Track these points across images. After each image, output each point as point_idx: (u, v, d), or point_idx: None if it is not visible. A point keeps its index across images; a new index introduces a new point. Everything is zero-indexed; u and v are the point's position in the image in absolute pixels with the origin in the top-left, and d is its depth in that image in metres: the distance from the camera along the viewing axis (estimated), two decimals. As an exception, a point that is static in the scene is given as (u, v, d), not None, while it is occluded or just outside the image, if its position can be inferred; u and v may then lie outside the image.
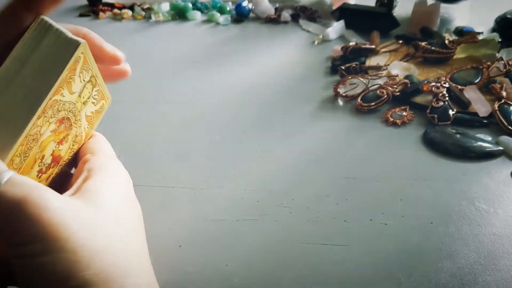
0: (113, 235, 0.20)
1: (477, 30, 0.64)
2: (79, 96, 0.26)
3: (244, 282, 0.27)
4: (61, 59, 0.23)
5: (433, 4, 0.67)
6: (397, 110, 0.45)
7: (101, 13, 0.80)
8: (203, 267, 0.28)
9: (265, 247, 0.30)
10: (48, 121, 0.23)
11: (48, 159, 0.25)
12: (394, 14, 0.71)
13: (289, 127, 0.44)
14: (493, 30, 0.67)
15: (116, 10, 0.81)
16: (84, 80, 0.26)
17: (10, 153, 0.20)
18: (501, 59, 0.51)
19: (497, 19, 0.67)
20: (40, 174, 0.25)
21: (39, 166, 0.24)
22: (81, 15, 0.82)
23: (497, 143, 0.40)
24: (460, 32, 0.65)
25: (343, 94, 0.49)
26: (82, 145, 0.28)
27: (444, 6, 0.72)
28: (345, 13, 0.70)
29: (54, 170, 0.26)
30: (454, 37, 0.59)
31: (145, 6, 0.83)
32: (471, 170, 0.37)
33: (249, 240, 0.30)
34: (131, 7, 0.83)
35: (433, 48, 0.54)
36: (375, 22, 0.67)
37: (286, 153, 0.40)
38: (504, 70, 0.50)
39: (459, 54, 0.56)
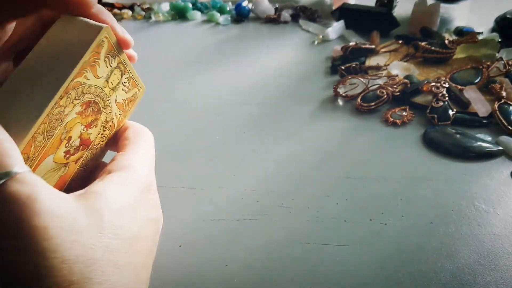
0: (94, 244, 0.19)
1: (477, 30, 0.64)
2: (107, 81, 0.27)
3: (244, 282, 0.27)
4: (83, 43, 0.23)
5: (433, 4, 0.67)
6: (397, 110, 0.45)
7: (101, 13, 0.80)
8: (202, 267, 0.28)
9: (265, 247, 0.30)
10: (72, 102, 0.24)
11: (76, 141, 0.26)
12: (394, 14, 0.71)
13: (289, 127, 0.44)
14: (493, 30, 0.67)
15: (116, 10, 0.81)
16: (110, 66, 0.27)
17: (31, 130, 0.21)
18: (501, 59, 0.51)
19: (497, 19, 0.67)
20: (67, 155, 0.25)
21: (66, 147, 0.25)
22: (81, 15, 0.82)
23: (497, 143, 0.40)
24: (460, 32, 0.65)
25: (343, 94, 0.49)
26: (115, 132, 0.29)
27: (444, 6, 0.72)
28: (345, 13, 0.70)
29: (84, 153, 0.27)
30: (454, 37, 0.59)
31: (145, 6, 0.83)
32: (471, 170, 0.37)
33: (249, 240, 0.30)
34: (131, 7, 0.83)
35: (433, 48, 0.54)
36: (375, 22, 0.67)
37: (286, 153, 0.40)
38: (504, 70, 0.50)
39: (459, 54, 0.56)
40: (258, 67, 0.58)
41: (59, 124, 0.24)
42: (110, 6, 0.84)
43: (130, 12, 0.80)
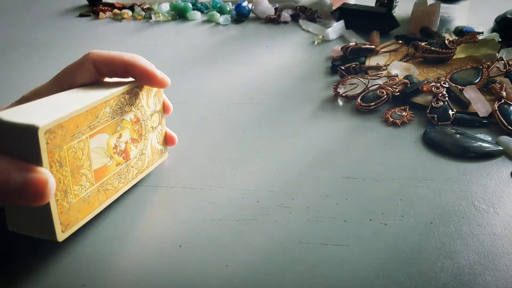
0: None
1: (477, 30, 0.64)
2: (151, 116, 0.35)
3: (244, 282, 0.27)
4: None
5: (433, 4, 0.67)
6: (397, 110, 0.45)
7: (101, 13, 0.80)
8: (203, 267, 0.28)
9: (265, 247, 0.30)
10: (130, 105, 0.32)
11: (122, 144, 0.31)
12: (394, 14, 0.71)
13: (289, 127, 0.44)
14: (493, 30, 0.67)
15: (116, 10, 0.81)
16: (155, 105, 0.35)
17: (109, 94, 0.29)
18: (501, 59, 0.51)
19: (497, 19, 0.67)
20: (115, 149, 0.31)
21: (116, 140, 0.31)
22: (81, 15, 0.82)
23: (497, 143, 0.40)
24: (460, 32, 0.65)
25: (343, 94, 0.49)
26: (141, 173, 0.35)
27: (444, 6, 0.72)
28: (345, 13, 0.70)
29: (123, 165, 0.32)
30: (454, 37, 0.59)
31: (145, 6, 0.83)
32: (471, 170, 0.37)
33: (249, 240, 0.30)
34: (131, 7, 0.83)
35: (433, 48, 0.54)
36: (375, 22, 0.67)
37: (286, 153, 0.40)
38: (504, 70, 0.50)
39: (459, 54, 0.56)
40: (258, 67, 0.59)
41: (120, 113, 0.31)
42: (110, 6, 0.84)
43: (130, 12, 0.80)
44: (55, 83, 0.31)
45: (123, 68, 0.31)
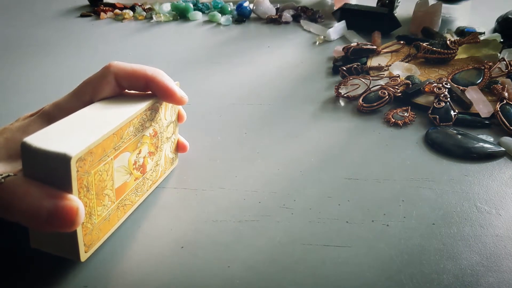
0: None
1: (478, 30, 0.64)
2: (166, 127, 0.34)
3: (245, 283, 0.27)
4: None
5: (435, 4, 0.67)
6: (398, 110, 0.45)
7: (102, 14, 0.81)
8: (204, 268, 0.28)
9: (266, 248, 0.30)
10: (150, 120, 0.31)
11: (141, 159, 0.31)
12: (396, 14, 0.71)
13: (290, 127, 0.44)
14: (495, 30, 0.67)
15: (117, 11, 0.81)
16: (171, 116, 0.35)
17: (131, 115, 0.29)
18: (503, 59, 0.51)
19: (499, 19, 0.67)
20: (134, 165, 0.30)
21: (136, 156, 0.30)
22: (82, 16, 0.82)
23: (499, 144, 0.40)
24: (462, 32, 0.65)
25: (345, 95, 0.49)
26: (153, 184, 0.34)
27: (445, 7, 0.72)
28: (346, 14, 0.70)
29: (140, 178, 0.32)
30: (455, 38, 0.59)
31: (146, 7, 0.83)
32: (473, 171, 0.37)
33: (250, 241, 0.30)
34: (132, 8, 0.83)
35: (434, 48, 0.54)
36: (376, 23, 0.67)
37: (287, 154, 0.40)
38: (506, 70, 0.50)
39: (461, 54, 0.56)
40: (259, 67, 0.58)
41: (141, 130, 0.30)
42: (111, 7, 0.84)
43: (131, 13, 0.80)
44: (76, 97, 0.30)
45: (144, 83, 0.31)
